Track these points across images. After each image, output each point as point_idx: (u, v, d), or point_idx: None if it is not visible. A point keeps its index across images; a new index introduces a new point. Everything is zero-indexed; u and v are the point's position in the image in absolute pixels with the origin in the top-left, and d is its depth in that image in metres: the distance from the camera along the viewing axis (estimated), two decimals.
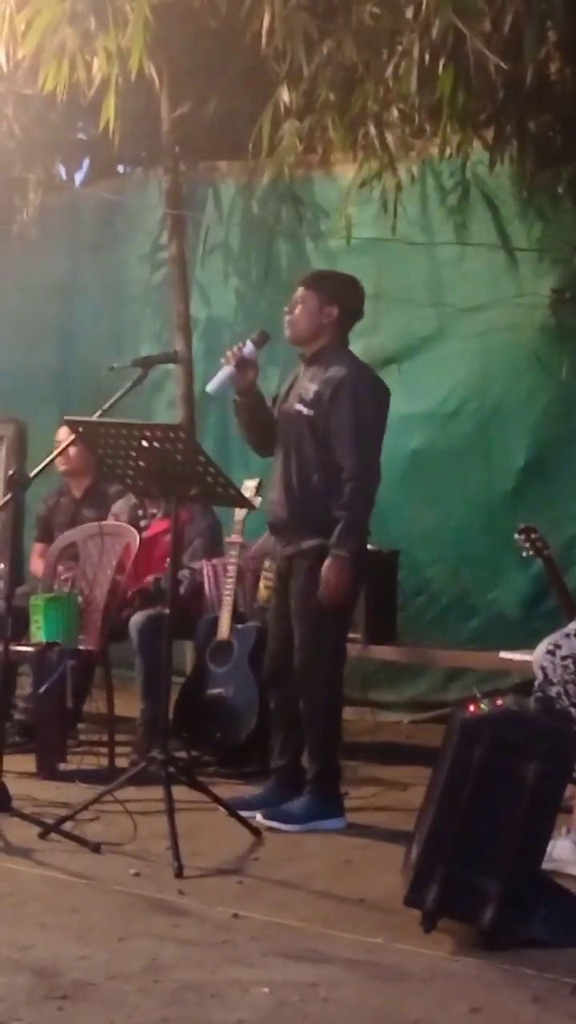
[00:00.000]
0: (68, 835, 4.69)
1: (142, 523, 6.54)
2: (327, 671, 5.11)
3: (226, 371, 5.17)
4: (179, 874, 4.40)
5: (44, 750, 5.79)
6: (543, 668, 4.45)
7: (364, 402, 5.09)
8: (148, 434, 4.79)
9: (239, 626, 6.00)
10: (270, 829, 4.99)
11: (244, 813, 5.00)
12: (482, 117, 6.51)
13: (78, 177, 8.99)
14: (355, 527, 5.03)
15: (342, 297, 5.22)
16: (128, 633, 6.18)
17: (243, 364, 5.17)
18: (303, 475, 5.10)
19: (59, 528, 6.86)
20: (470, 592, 7.00)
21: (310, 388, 5.11)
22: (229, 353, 5.20)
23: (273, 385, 5.65)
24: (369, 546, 6.19)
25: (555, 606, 5.58)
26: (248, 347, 5.18)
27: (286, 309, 5.25)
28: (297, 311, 5.20)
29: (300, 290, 5.23)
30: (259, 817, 5.03)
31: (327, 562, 4.98)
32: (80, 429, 5.14)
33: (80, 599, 6.07)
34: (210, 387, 5.27)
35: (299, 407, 5.13)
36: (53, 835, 4.70)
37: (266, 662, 5.44)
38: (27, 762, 5.77)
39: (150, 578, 6.31)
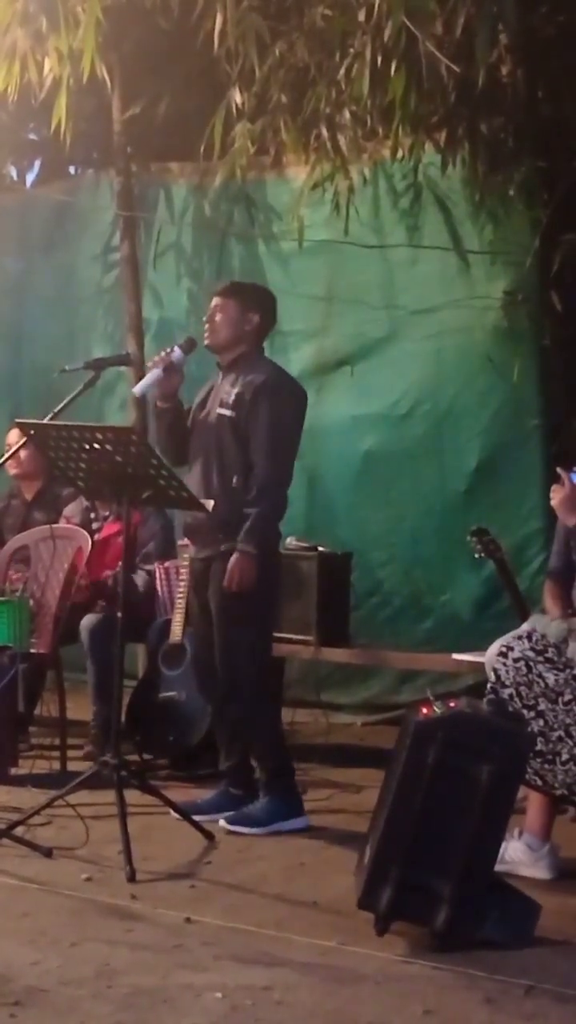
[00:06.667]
0: (19, 840, 4.65)
1: (94, 526, 6.52)
2: (249, 673, 5.11)
3: (154, 374, 5.23)
4: (131, 878, 4.39)
5: None
6: (495, 670, 4.45)
7: (283, 404, 5.14)
8: (100, 436, 4.78)
9: (192, 629, 5.98)
10: (232, 834, 4.98)
11: (197, 817, 4.99)
12: (434, 119, 6.52)
13: (29, 178, 8.97)
14: (263, 525, 5.05)
15: (262, 305, 5.31)
16: (79, 636, 6.16)
17: (170, 369, 5.23)
18: (224, 478, 5.12)
19: (9, 531, 6.83)
20: (423, 593, 7.00)
21: (231, 392, 5.16)
22: (157, 357, 5.27)
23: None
24: (321, 548, 6.24)
25: (507, 607, 5.60)
26: (176, 353, 5.25)
27: (204, 319, 5.30)
28: (218, 318, 5.24)
29: (217, 299, 5.29)
30: (221, 823, 5.02)
31: (233, 558, 5.02)
32: (32, 432, 5.12)
33: (31, 602, 6.04)
34: (137, 389, 5.42)
35: (220, 411, 5.17)
36: (4, 840, 4.67)
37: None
38: None
39: (108, 573, 6.30)
